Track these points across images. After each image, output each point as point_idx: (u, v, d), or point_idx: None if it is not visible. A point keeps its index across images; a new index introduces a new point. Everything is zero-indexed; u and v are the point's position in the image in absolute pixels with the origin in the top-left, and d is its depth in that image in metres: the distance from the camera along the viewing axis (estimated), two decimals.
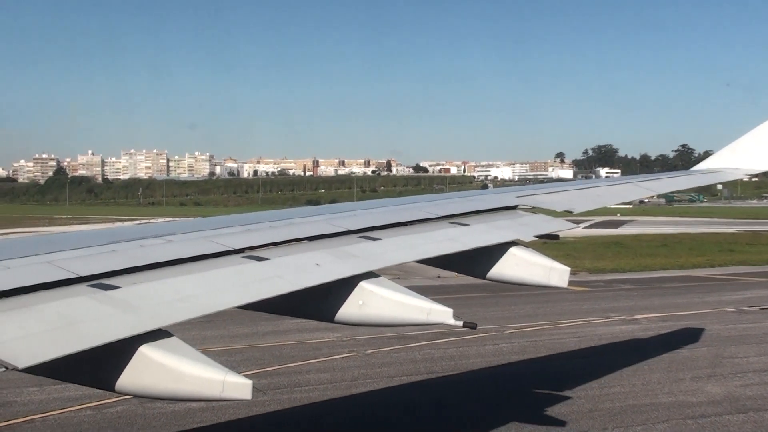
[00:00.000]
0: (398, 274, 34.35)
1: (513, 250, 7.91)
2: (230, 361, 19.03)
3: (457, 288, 33.03)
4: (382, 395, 16.61)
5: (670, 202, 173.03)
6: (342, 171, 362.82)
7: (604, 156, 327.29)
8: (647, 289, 36.53)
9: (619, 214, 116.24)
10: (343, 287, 6.43)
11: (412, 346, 21.01)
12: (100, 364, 4.77)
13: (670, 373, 18.18)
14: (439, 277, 35.43)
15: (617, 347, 21.63)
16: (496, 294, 30.84)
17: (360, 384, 17.31)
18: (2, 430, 13.61)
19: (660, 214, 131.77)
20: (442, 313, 6.44)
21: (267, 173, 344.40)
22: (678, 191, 14.88)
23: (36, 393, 15.45)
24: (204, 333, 22.15)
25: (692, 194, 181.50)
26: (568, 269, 7.84)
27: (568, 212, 9.39)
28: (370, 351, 20.33)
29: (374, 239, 7.34)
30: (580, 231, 77.71)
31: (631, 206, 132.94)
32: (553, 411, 14.90)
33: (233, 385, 4.80)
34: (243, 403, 15.18)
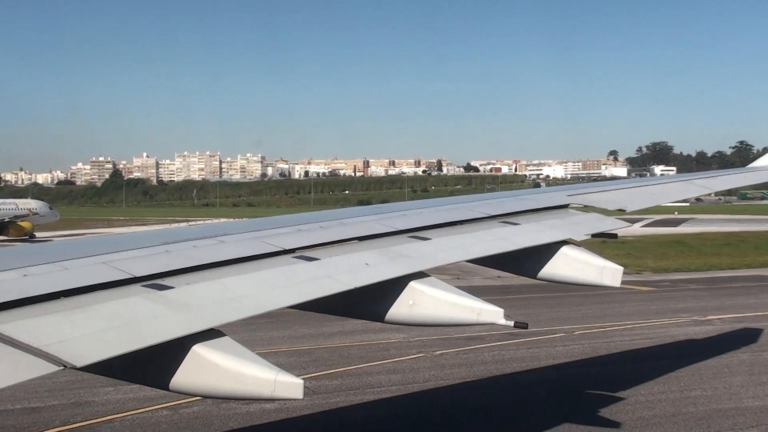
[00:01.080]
0: (458, 274, 34.19)
1: (564, 249, 7.82)
2: (299, 361, 19.19)
3: (518, 288, 32.66)
4: (454, 397, 16.38)
5: (742, 199, 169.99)
6: (392, 171, 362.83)
7: (659, 153, 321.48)
8: (716, 289, 35.74)
9: (676, 212, 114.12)
10: (393, 287, 6.44)
11: (481, 347, 20.78)
12: (155, 363, 4.85)
13: (752, 376, 17.68)
14: (499, 276, 35.23)
15: (694, 349, 21.05)
16: (560, 294, 30.38)
17: (432, 386, 17.12)
18: (83, 429, 13.84)
19: (718, 212, 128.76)
20: (492, 313, 6.41)
21: (318, 174, 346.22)
22: (734, 188, 14.43)
23: (112, 393, 15.63)
24: (270, 333, 22.44)
25: (764, 191, 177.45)
26: (621, 269, 7.72)
27: (621, 211, 9.26)
28: (438, 352, 20.14)
29: (424, 239, 7.33)
30: (639, 229, 76.61)
31: (687, 204, 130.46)
32: (635, 414, 14.56)
33: (285, 385, 4.83)
34: (316, 405, 15.41)
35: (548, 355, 20.27)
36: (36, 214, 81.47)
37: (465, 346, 20.82)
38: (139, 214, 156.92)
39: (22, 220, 76.77)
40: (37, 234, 76.63)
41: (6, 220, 75.91)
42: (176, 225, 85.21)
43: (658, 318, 26.29)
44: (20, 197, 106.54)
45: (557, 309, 28.28)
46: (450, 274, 33.09)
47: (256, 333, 22.54)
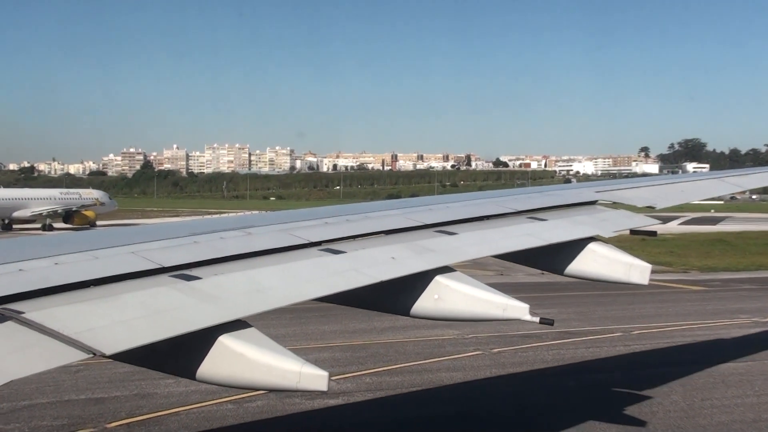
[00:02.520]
0: (500, 270, 33.98)
1: (592, 245, 7.76)
2: (355, 357, 19.18)
3: (565, 285, 32.00)
4: (522, 396, 16.13)
5: None
6: (420, 165, 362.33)
7: (691, 150, 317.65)
8: None
9: (713, 210, 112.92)
10: (419, 281, 6.44)
11: (538, 346, 20.58)
12: (182, 353, 4.90)
13: None
14: (543, 273, 35.04)
15: (760, 351, 20.44)
16: (612, 293, 30.08)
17: (497, 384, 16.93)
18: (149, 421, 13.85)
19: (755, 210, 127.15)
20: (518, 309, 6.38)
21: (346, 167, 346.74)
22: (763, 187, 14.22)
23: (173, 385, 15.52)
24: (322, 328, 22.51)
25: None
26: (649, 266, 7.63)
27: (650, 208, 9.17)
28: (496, 350, 19.95)
29: (451, 233, 7.32)
30: (677, 227, 75.98)
31: (722, 202, 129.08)
32: (713, 419, 14.22)
33: (310, 377, 4.85)
34: (382, 402, 15.36)
35: (611, 356, 19.84)
36: (103, 204, 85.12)
37: (522, 344, 20.59)
38: (171, 205, 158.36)
39: (86, 209, 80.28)
40: (97, 223, 79.48)
41: (74, 209, 79.27)
42: (209, 216, 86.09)
43: (717, 318, 25.78)
44: (54, 187, 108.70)
45: (610, 307, 27.96)
46: (492, 270, 33.06)
47: (307, 327, 22.61)
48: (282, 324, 22.77)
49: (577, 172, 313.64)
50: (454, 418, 14.48)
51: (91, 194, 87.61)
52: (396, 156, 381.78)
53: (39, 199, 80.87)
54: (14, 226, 78.97)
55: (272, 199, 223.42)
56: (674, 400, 15.52)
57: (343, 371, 17.45)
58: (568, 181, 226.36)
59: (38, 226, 78.28)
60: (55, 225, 77.82)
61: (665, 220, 78.94)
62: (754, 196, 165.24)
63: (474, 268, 33.72)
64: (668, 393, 15.97)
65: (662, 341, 21.72)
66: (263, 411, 14.43)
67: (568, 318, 25.37)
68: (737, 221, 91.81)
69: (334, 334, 21.75)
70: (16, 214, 77.88)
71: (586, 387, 16.86)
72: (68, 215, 78.90)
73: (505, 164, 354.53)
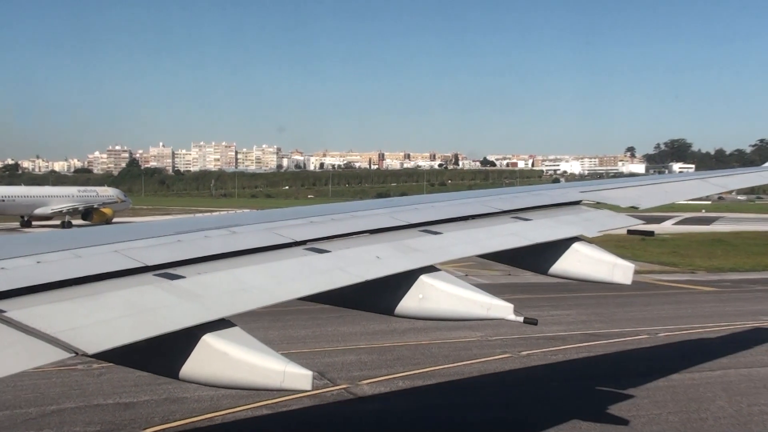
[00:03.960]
0: (508, 271, 33.89)
1: (576, 245, 7.80)
2: (383, 359, 18.86)
3: (577, 286, 31.93)
4: (564, 400, 15.66)
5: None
6: (408, 164, 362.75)
7: (677, 151, 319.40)
8: None
9: (704, 210, 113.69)
10: (403, 281, 6.45)
11: (566, 348, 20.40)
12: (165, 352, 4.88)
13: None
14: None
15: None
16: (624, 293, 29.99)
17: (533, 387, 16.69)
18: (185, 427, 13.52)
19: (745, 210, 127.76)
20: (502, 309, 6.39)
21: (333, 166, 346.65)
22: (749, 188, 14.31)
23: (202, 389, 14.74)
24: (340, 329, 22.23)
25: None
26: (632, 266, 7.67)
27: (634, 208, 9.22)
28: (525, 352, 19.74)
29: (436, 233, 7.33)
30: (671, 227, 76.23)
31: (710, 202, 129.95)
32: (766, 427, 14.03)
33: (294, 376, 4.84)
34: (427, 406, 15.01)
35: (644, 358, 19.50)
36: (124, 201, 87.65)
37: (549, 347, 20.39)
38: (158, 203, 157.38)
39: (105, 207, 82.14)
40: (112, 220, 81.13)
41: (95, 206, 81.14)
42: (200, 215, 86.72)
43: (739, 320, 25.54)
44: (38, 185, 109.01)
45: (628, 309, 27.84)
46: (499, 270, 33.05)
47: (324, 328, 22.37)
48: (299, 325, 22.70)
49: (564, 172, 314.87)
50: (503, 424, 14.05)
51: (107, 192, 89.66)
52: (383, 155, 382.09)
53: (58, 197, 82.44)
54: (33, 223, 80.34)
55: (254, 198, 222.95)
56: (720, 405, 15.26)
57: (375, 375, 17.25)
58: (556, 180, 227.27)
59: (56, 222, 79.23)
60: (74, 222, 78.77)
61: (659, 220, 79.36)
62: (740, 197, 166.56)
63: (481, 268, 33.88)
64: (712, 398, 15.77)
65: (690, 344, 21.38)
66: (299, 416, 14.22)
67: (589, 320, 25.27)
68: (730, 221, 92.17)
69: (354, 336, 21.46)
70: (37, 211, 79.56)
71: (629, 390, 16.27)
72: (87, 212, 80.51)
73: (493, 163, 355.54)
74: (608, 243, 45.32)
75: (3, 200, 78.74)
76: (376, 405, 15.11)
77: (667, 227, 74.31)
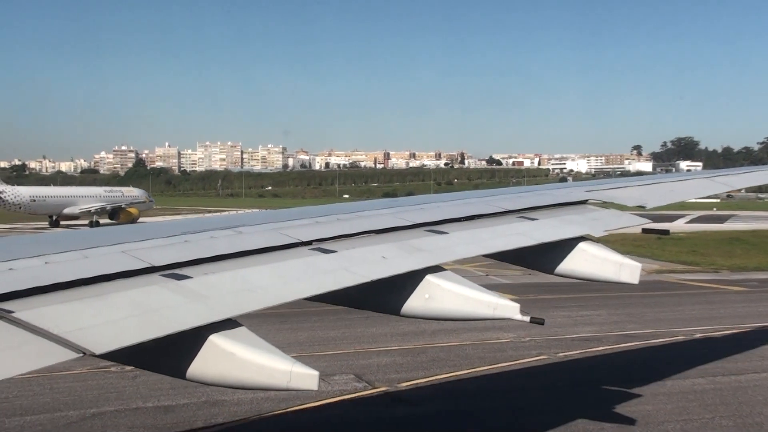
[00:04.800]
0: (528, 271, 33.48)
1: (582, 245, 7.78)
2: (417, 361, 18.64)
3: (600, 286, 31.53)
4: (607, 402, 15.27)
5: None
6: (413, 163, 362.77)
7: (684, 149, 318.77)
8: None
9: (715, 209, 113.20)
10: (409, 281, 6.45)
11: (604, 349, 20.12)
12: (172, 352, 4.89)
13: None
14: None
15: None
16: (652, 294, 29.87)
17: (577, 390, 16.27)
18: (228, 430, 13.35)
19: (756, 209, 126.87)
20: (509, 308, 6.38)
21: (338, 165, 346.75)
22: (756, 186, 14.21)
23: (241, 392, 14.66)
24: (370, 330, 22.00)
25: None
26: (639, 265, 7.64)
27: (641, 207, 9.20)
28: (561, 354, 19.50)
29: (441, 233, 7.33)
30: (686, 226, 75.66)
31: (718, 200, 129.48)
32: None
33: (300, 376, 4.84)
34: (476, 409, 14.68)
35: (685, 359, 18.92)
36: (151, 201, 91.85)
37: (585, 348, 20.17)
38: (166, 203, 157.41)
39: (132, 206, 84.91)
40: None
41: (123, 206, 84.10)
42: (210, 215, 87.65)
43: None
44: (46, 185, 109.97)
45: (658, 309, 27.54)
46: (518, 270, 32.28)
47: (354, 329, 22.17)
48: (327, 326, 22.56)
49: (571, 171, 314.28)
50: (557, 428, 13.62)
51: (133, 192, 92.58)
52: (388, 154, 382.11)
53: (86, 197, 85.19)
54: (61, 223, 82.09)
55: (261, 197, 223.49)
56: None
57: (413, 377, 17.10)
58: (564, 179, 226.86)
59: (84, 222, 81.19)
60: (102, 221, 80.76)
61: (671, 219, 78.81)
62: (750, 194, 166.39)
63: (502, 268, 33.61)
64: (764, 402, 15.49)
65: (729, 345, 20.99)
66: (343, 420, 14.12)
67: (620, 320, 24.97)
68: (744, 219, 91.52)
69: (385, 337, 21.21)
70: (66, 210, 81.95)
71: (676, 394, 15.98)
72: (114, 212, 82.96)
73: (499, 162, 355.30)
74: (624, 242, 46.14)
75: (34, 200, 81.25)
76: (417, 408, 14.89)
77: (680, 226, 73.82)
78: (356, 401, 15.10)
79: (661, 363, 18.90)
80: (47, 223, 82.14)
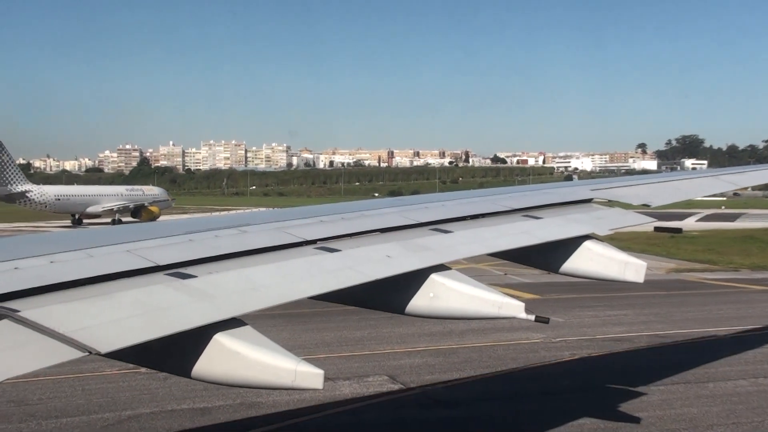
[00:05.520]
0: (548, 270, 33.22)
1: (587, 244, 7.76)
2: (449, 362, 18.46)
3: (622, 285, 31.20)
4: (654, 407, 14.95)
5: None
6: (417, 162, 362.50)
7: (689, 147, 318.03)
8: None
9: (723, 207, 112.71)
10: (414, 279, 6.44)
11: (637, 350, 19.97)
12: (177, 351, 4.89)
13: None
14: None
15: None
16: (676, 293, 29.68)
17: (615, 392, 16.11)
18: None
19: (764, 207, 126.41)
20: (513, 307, 6.37)
21: (342, 164, 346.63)
22: (762, 184, 14.16)
23: (275, 394, 14.72)
24: (397, 330, 21.73)
25: None
26: (644, 264, 7.62)
27: (646, 206, 9.18)
28: (595, 354, 19.28)
29: (446, 232, 7.32)
30: (697, 224, 75.13)
31: (725, 198, 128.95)
32: None
33: (305, 375, 4.84)
34: (520, 412, 14.47)
35: (724, 361, 18.74)
36: (172, 199, 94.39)
37: (618, 348, 19.99)
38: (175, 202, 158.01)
39: (152, 205, 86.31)
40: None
41: (146, 204, 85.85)
42: (218, 214, 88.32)
43: None
44: (50, 184, 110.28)
45: (685, 309, 27.39)
46: (539, 269, 32.01)
47: (380, 330, 21.95)
48: (352, 326, 22.35)
49: (575, 169, 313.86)
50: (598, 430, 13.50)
51: (153, 191, 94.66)
52: (392, 152, 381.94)
53: (109, 196, 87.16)
54: (84, 221, 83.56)
55: (266, 196, 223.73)
56: None
57: (447, 378, 16.99)
58: (569, 177, 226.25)
59: (106, 220, 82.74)
60: (124, 219, 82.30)
61: (680, 217, 78.22)
62: (757, 192, 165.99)
63: (521, 267, 33.23)
64: None
65: (764, 345, 20.83)
66: (381, 422, 14.06)
67: (648, 320, 24.81)
68: (755, 218, 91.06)
69: (413, 338, 21.04)
70: (89, 209, 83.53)
71: (720, 396, 15.81)
72: (136, 210, 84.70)
73: (503, 161, 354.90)
74: (637, 240, 45.88)
75: (59, 199, 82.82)
76: (454, 411, 14.76)
77: (692, 224, 73.40)
78: (393, 403, 14.99)
79: (697, 364, 18.65)
80: (69, 221, 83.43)
